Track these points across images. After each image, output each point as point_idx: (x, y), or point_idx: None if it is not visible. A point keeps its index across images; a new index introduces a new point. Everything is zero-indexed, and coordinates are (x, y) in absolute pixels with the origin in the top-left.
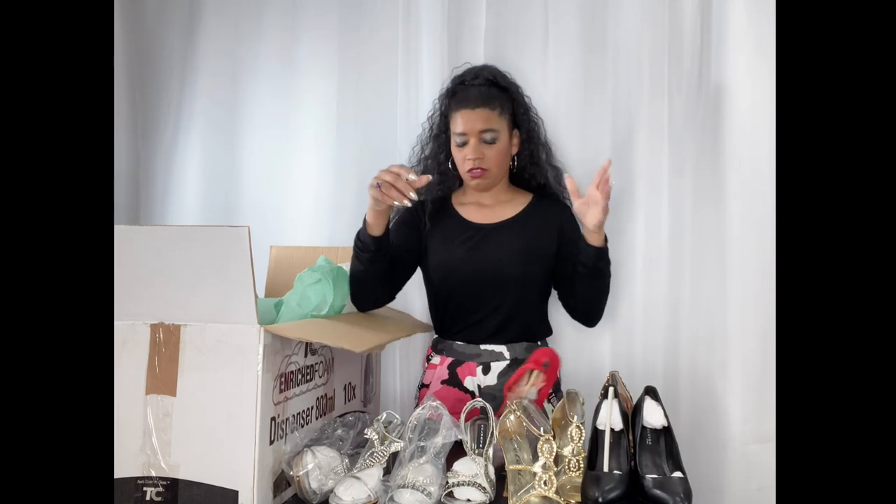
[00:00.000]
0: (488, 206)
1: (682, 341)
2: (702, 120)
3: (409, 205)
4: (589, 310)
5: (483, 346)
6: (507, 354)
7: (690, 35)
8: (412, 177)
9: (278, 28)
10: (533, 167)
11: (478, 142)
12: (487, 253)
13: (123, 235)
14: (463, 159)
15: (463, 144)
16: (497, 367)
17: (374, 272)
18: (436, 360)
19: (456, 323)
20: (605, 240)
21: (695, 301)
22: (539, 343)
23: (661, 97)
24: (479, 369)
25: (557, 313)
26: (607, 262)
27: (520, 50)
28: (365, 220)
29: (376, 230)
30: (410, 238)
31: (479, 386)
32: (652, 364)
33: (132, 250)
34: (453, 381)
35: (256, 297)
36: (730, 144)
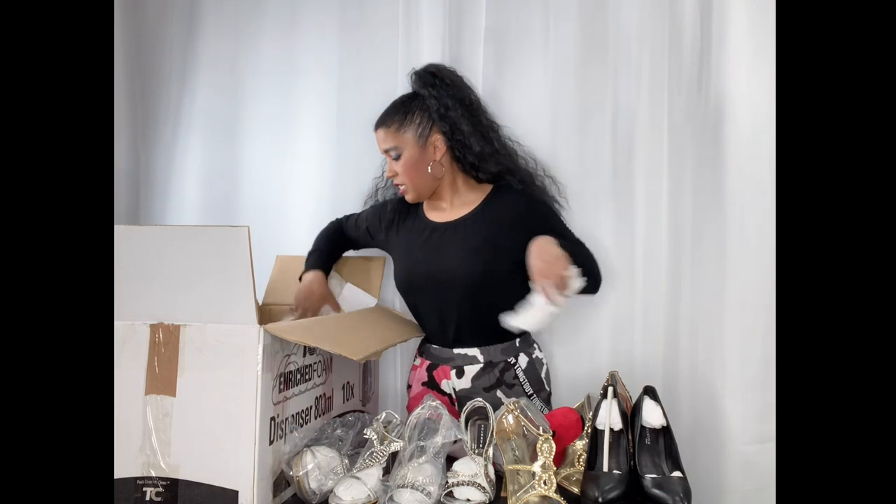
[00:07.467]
0: (445, 208)
1: (682, 341)
2: (702, 120)
3: None
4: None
5: (456, 350)
6: (480, 358)
7: (690, 35)
8: None
9: (278, 28)
10: (476, 160)
11: (390, 160)
12: (443, 253)
13: (123, 235)
14: None
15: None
16: (471, 370)
17: None
18: (417, 361)
19: (425, 327)
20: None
21: (695, 301)
22: (518, 343)
23: (661, 97)
24: (453, 373)
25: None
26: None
27: (520, 50)
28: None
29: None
30: (367, 230)
31: (454, 389)
32: (652, 364)
33: (132, 250)
34: (431, 383)
35: (256, 297)
36: (730, 144)
